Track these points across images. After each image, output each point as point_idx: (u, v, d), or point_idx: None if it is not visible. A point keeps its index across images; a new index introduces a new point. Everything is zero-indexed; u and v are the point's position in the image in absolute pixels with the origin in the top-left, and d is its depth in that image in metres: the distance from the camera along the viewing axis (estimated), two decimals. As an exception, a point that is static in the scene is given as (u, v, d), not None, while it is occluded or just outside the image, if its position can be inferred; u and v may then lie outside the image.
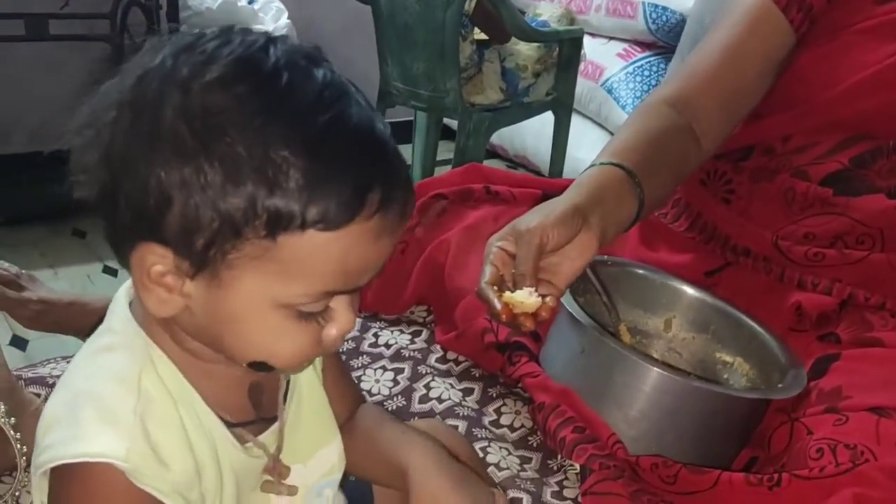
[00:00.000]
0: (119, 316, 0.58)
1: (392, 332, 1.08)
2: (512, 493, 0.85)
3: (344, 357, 1.03)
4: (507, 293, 0.78)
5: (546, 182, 1.26)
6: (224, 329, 0.54)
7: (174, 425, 0.55)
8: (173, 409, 0.56)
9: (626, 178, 0.88)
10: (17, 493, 0.76)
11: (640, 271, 1.03)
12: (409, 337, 1.07)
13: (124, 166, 0.50)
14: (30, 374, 0.90)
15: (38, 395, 0.86)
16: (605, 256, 1.03)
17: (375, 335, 1.07)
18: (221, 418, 0.58)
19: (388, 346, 1.05)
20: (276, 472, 0.62)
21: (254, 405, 0.61)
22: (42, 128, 2.35)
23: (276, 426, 0.62)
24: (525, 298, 0.77)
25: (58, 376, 0.91)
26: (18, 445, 0.75)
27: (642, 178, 0.88)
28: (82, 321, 1.06)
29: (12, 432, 0.75)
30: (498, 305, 0.76)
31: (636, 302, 1.02)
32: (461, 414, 0.95)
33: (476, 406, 0.97)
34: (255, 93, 0.49)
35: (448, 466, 0.67)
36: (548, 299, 0.78)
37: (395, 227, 0.53)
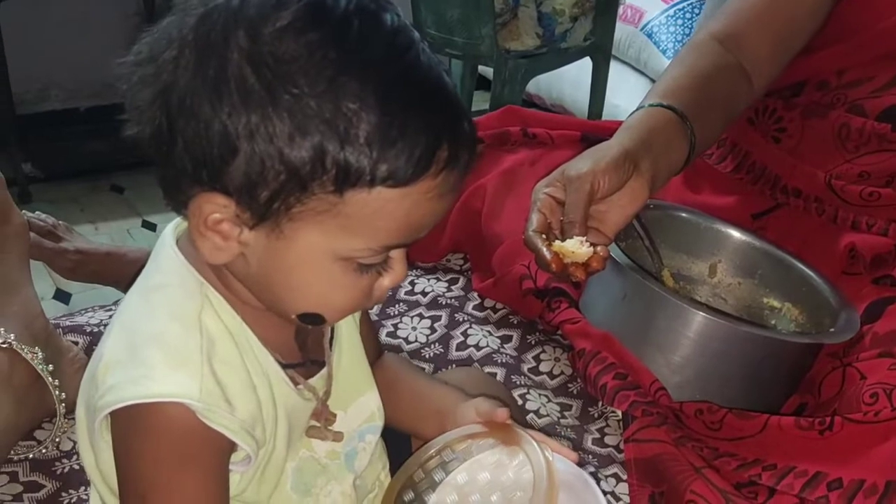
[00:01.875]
0: (167, 255, 0.56)
1: (428, 279, 1.06)
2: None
3: (380, 305, 1.01)
4: (557, 242, 0.75)
5: (585, 123, 1.22)
6: (278, 280, 0.52)
7: (237, 364, 0.54)
8: (234, 349, 0.55)
9: (676, 120, 0.84)
10: (57, 439, 0.77)
11: (684, 215, 0.99)
12: (446, 285, 1.06)
13: (185, 108, 0.48)
14: (68, 323, 0.91)
15: (76, 343, 0.86)
16: (648, 200, 0.99)
17: (412, 283, 1.05)
18: (275, 359, 0.57)
19: (424, 293, 1.04)
20: (323, 417, 0.61)
21: (300, 347, 0.60)
22: (78, 85, 2.36)
23: (324, 371, 0.61)
24: (576, 248, 0.74)
25: (96, 325, 0.91)
26: (57, 392, 0.76)
27: (693, 119, 0.84)
28: (121, 271, 1.07)
29: (51, 379, 0.75)
30: (548, 255, 0.73)
31: (680, 247, 0.99)
32: (499, 361, 0.94)
33: (514, 353, 0.96)
34: (326, 42, 0.47)
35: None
36: (599, 249, 0.75)
37: (460, 182, 0.52)
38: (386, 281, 0.54)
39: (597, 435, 0.86)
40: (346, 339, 0.65)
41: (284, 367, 0.58)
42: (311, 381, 0.60)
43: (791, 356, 0.84)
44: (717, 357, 0.83)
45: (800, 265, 0.93)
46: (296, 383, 0.59)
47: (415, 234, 0.52)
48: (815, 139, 0.97)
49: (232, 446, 0.54)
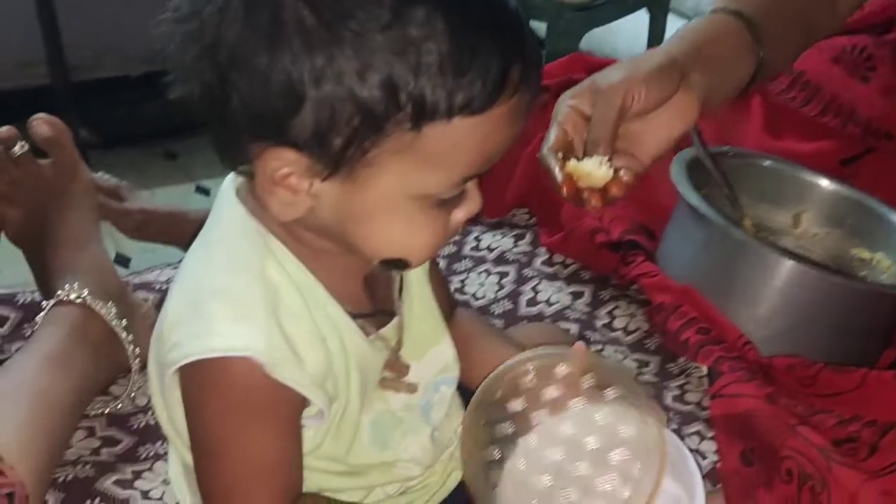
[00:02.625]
0: (228, 207, 0.55)
1: (494, 235, 1.03)
2: (631, 396, 0.81)
3: (446, 261, 0.99)
4: (572, 162, 0.66)
5: None
6: (355, 229, 0.51)
7: (303, 316, 0.53)
8: (300, 300, 0.53)
9: (743, 28, 0.73)
10: (132, 394, 0.76)
11: (766, 162, 0.94)
12: (513, 240, 1.03)
13: (237, 61, 0.46)
14: (136, 280, 0.91)
15: (146, 300, 0.85)
16: (726, 147, 0.95)
17: (477, 239, 1.03)
18: (344, 309, 0.56)
19: (490, 249, 1.01)
20: (395, 369, 0.60)
21: (370, 297, 0.58)
22: (130, 51, 2.37)
23: (395, 321, 0.60)
24: (593, 169, 0.65)
25: (164, 281, 0.91)
26: (131, 347, 0.75)
27: (764, 30, 0.73)
28: (183, 231, 1.06)
29: (125, 334, 0.74)
30: (558, 176, 0.65)
31: (761, 196, 0.94)
32: (571, 317, 0.91)
33: (587, 309, 0.93)
34: None
35: None
36: (622, 173, 0.65)
37: (531, 105, 0.50)
38: (461, 213, 0.52)
39: (677, 392, 0.83)
40: (417, 289, 0.63)
41: (355, 317, 0.56)
42: (383, 331, 0.59)
43: (886, 308, 0.79)
44: (807, 309, 0.79)
45: (892, 214, 0.87)
46: (367, 334, 0.57)
47: (490, 162, 0.50)
48: None
49: (303, 401, 0.53)
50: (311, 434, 0.56)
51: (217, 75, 0.46)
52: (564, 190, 0.66)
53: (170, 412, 0.57)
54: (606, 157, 0.66)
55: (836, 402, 0.72)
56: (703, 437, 0.78)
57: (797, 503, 0.65)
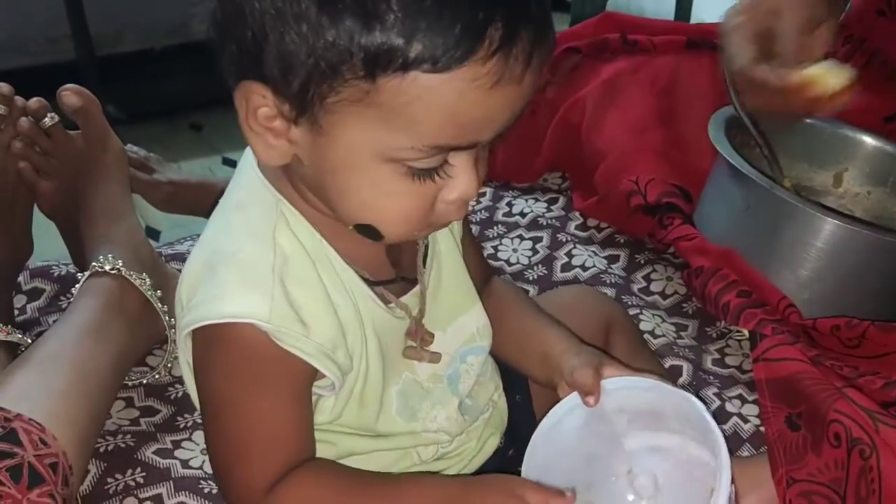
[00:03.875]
0: (247, 171, 0.54)
1: (526, 200, 1.02)
2: (670, 362, 0.80)
3: (478, 227, 0.98)
4: (813, 68, 0.65)
5: (689, 28, 1.13)
6: (329, 184, 0.49)
7: (313, 283, 0.52)
8: (311, 267, 0.52)
9: None
10: (169, 365, 0.77)
11: (806, 120, 0.91)
12: (545, 205, 1.01)
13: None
14: (169, 251, 0.91)
15: (179, 271, 0.85)
16: (766, 105, 0.92)
17: (509, 204, 1.01)
18: (361, 276, 0.54)
19: (522, 214, 0.99)
20: (418, 337, 0.59)
21: (392, 263, 0.57)
22: (153, 24, 2.36)
23: (417, 289, 0.58)
24: (836, 73, 0.65)
25: (196, 252, 0.91)
26: (166, 318, 0.75)
27: None
28: (213, 201, 1.06)
29: (159, 305, 0.74)
30: (794, 80, 0.65)
31: (801, 155, 0.92)
32: (608, 282, 0.89)
33: (623, 273, 0.91)
34: None
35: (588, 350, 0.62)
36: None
37: (522, 73, 0.44)
38: (452, 194, 0.48)
39: (717, 356, 0.82)
40: (446, 257, 0.61)
41: (373, 284, 0.55)
42: (404, 298, 0.57)
43: (936, 267, 0.77)
44: (852, 270, 0.77)
45: (939, 170, 0.85)
46: (386, 301, 0.56)
47: (469, 135, 0.45)
48: None
49: (313, 370, 0.52)
50: (329, 404, 0.56)
51: (221, 8, 0.47)
52: (798, 98, 0.66)
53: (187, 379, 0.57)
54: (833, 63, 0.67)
55: (883, 363, 0.70)
56: (744, 401, 0.76)
57: (846, 467, 0.63)
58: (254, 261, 0.51)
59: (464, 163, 0.47)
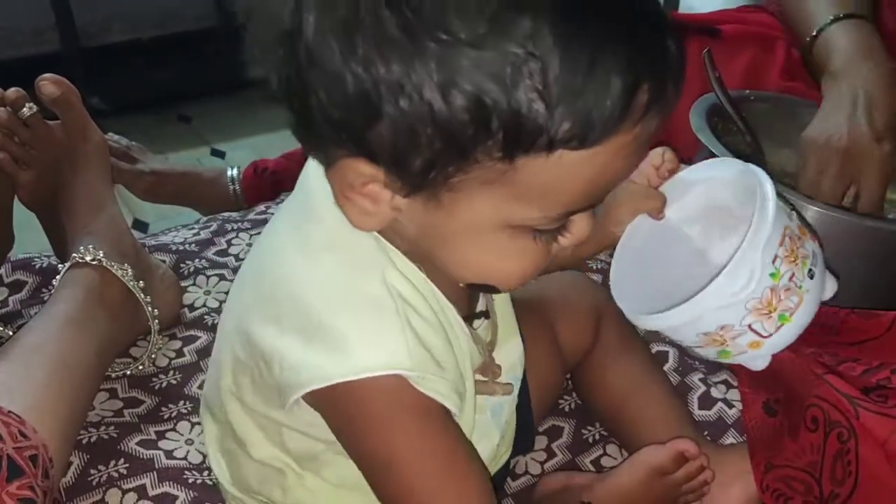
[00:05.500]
0: (325, 206, 0.46)
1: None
2: (656, 347, 0.80)
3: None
4: None
5: (679, 16, 1.12)
6: (440, 250, 0.45)
7: (433, 322, 0.48)
8: (427, 306, 0.48)
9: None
10: (153, 356, 0.76)
11: (789, 105, 0.92)
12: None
13: (313, 58, 0.39)
14: (153, 243, 0.90)
15: (163, 262, 0.85)
16: (748, 91, 0.92)
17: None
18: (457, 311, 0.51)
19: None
20: (489, 371, 0.56)
21: (470, 297, 0.55)
22: (139, 15, 2.34)
23: (488, 321, 0.56)
24: None
25: (181, 243, 0.90)
26: (150, 308, 0.75)
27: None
28: (198, 191, 1.06)
29: (142, 295, 0.74)
30: None
31: (784, 140, 0.91)
32: (594, 268, 0.90)
33: (609, 259, 0.91)
34: None
35: None
36: None
37: (660, 128, 0.41)
38: (565, 241, 0.45)
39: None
40: None
41: (465, 319, 0.52)
42: (479, 331, 0.55)
43: (918, 252, 0.77)
44: (834, 256, 0.76)
45: (921, 155, 0.85)
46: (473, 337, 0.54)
47: (600, 197, 0.43)
48: None
49: (444, 408, 0.49)
50: None
51: (296, 69, 0.40)
52: None
53: (284, 435, 0.53)
54: None
55: (862, 349, 0.71)
56: (729, 386, 0.77)
57: (822, 451, 0.64)
58: (374, 306, 0.46)
59: (584, 214, 0.45)
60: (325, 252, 0.47)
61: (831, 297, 0.59)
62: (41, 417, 0.60)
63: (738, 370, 0.74)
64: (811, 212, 0.76)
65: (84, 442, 0.69)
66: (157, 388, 0.75)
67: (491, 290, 0.48)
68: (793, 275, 0.55)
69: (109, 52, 2.34)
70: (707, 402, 0.76)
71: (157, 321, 0.75)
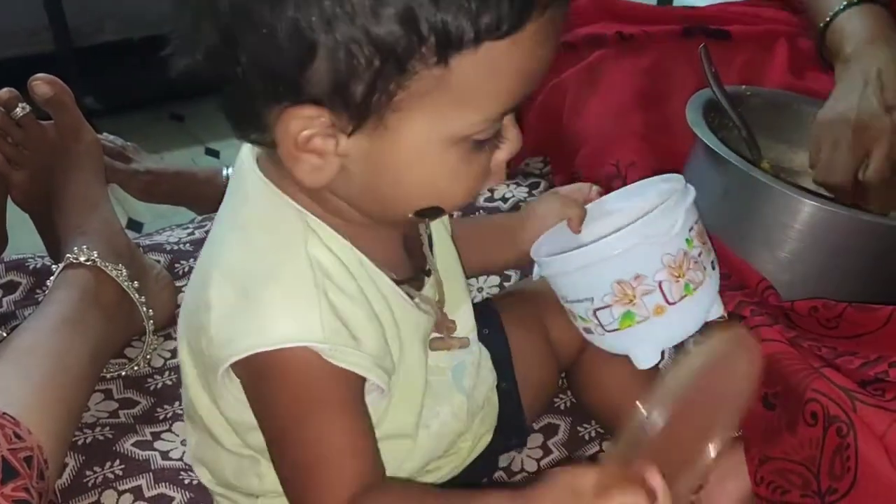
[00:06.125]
0: (254, 183, 0.50)
1: (508, 185, 1.01)
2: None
3: (459, 213, 0.97)
4: None
5: (686, 14, 1.11)
6: (389, 182, 0.47)
7: (354, 294, 0.50)
8: (349, 277, 0.50)
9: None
10: (148, 356, 0.76)
11: (784, 101, 0.92)
12: (527, 189, 1.01)
13: (239, 16, 0.42)
14: (147, 242, 0.90)
15: (158, 262, 0.85)
16: (744, 87, 0.92)
17: (490, 190, 1.01)
18: (389, 277, 0.53)
19: (504, 199, 0.99)
20: (444, 327, 0.57)
21: (409, 256, 0.56)
22: (131, 14, 2.33)
23: (432, 279, 0.57)
24: None
25: (175, 243, 0.90)
26: (144, 309, 0.74)
27: None
28: (193, 190, 1.05)
29: (137, 295, 0.74)
30: None
31: (780, 136, 0.91)
32: (589, 266, 0.89)
33: (604, 258, 0.91)
34: None
35: None
36: None
37: (564, 20, 0.45)
38: (502, 154, 0.48)
39: (696, 336, 0.81)
40: (440, 246, 0.60)
41: (398, 283, 0.53)
42: (424, 291, 0.56)
43: (913, 247, 0.77)
44: (832, 251, 0.76)
45: (917, 150, 0.85)
46: (411, 297, 0.54)
47: (527, 90, 0.46)
48: None
49: (363, 380, 0.50)
50: (370, 411, 0.53)
51: (220, 35, 0.43)
52: None
53: (218, 402, 0.54)
54: None
55: (859, 343, 0.71)
56: (724, 383, 0.77)
57: (822, 445, 0.64)
58: (295, 279, 0.48)
59: (511, 120, 0.48)
60: (252, 229, 0.50)
61: (715, 318, 0.63)
62: (36, 419, 0.59)
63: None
64: (807, 206, 0.76)
65: (79, 443, 0.68)
66: (152, 388, 0.75)
67: (437, 213, 0.50)
68: (701, 252, 0.61)
69: (103, 51, 2.33)
70: (705, 397, 0.76)
71: (151, 321, 0.75)
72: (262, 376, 0.49)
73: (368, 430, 0.51)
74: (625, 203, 0.68)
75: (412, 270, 0.56)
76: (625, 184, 0.89)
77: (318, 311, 0.48)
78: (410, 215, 0.49)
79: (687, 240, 0.59)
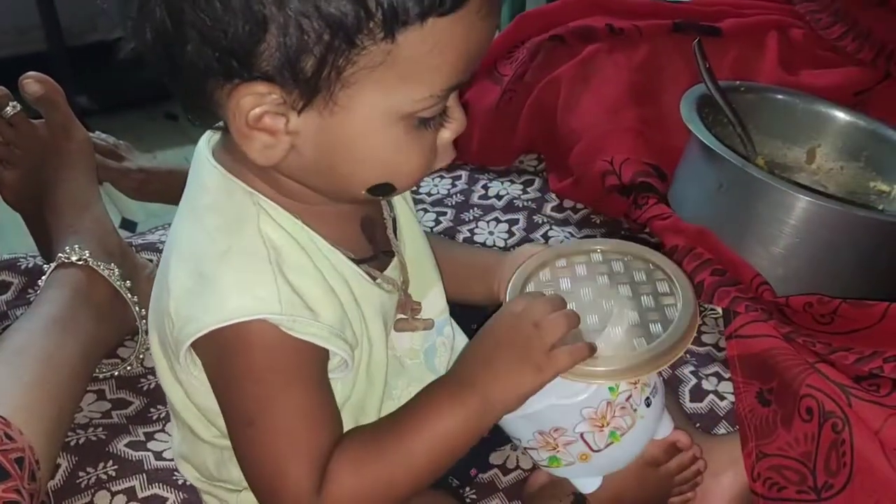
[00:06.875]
0: (208, 170, 0.52)
1: (502, 182, 1.01)
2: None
3: (454, 210, 0.97)
4: None
5: (677, 8, 1.11)
6: (340, 159, 0.48)
7: (309, 270, 0.51)
8: (302, 253, 0.51)
9: None
10: (140, 356, 0.76)
11: (779, 96, 0.92)
12: (521, 187, 1.01)
13: None
14: (139, 241, 0.89)
15: (150, 261, 0.84)
16: (738, 82, 0.92)
17: (485, 187, 1.01)
18: (347, 257, 0.54)
19: (499, 197, 0.99)
20: (408, 308, 0.58)
21: (368, 239, 0.57)
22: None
23: (395, 260, 0.58)
24: None
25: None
26: (137, 308, 0.74)
27: None
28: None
29: (129, 295, 0.73)
30: None
31: (774, 132, 0.91)
32: (584, 263, 0.89)
33: (599, 254, 0.91)
34: None
35: None
36: None
37: None
38: (447, 132, 0.50)
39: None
40: (407, 230, 0.61)
41: (358, 262, 0.54)
42: (386, 272, 0.57)
43: (908, 241, 0.77)
44: (826, 246, 0.77)
45: (911, 144, 0.85)
46: (373, 278, 0.55)
47: (471, 67, 0.47)
48: None
49: (326, 354, 0.51)
50: (338, 387, 0.54)
51: (168, 15, 0.43)
52: None
53: (187, 390, 0.55)
54: None
55: (854, 339, 0.70)
56: (720, 378, 0.77)
57: (817, 440, 0.64)
58: (250, 256, 0.49)
59: (455, 101, 0.49)
60: (207, 211, 0.51)
61: (663, 437, 0.61)
62: (27, 419, 0.59)
63: (731, 360, 0.73)
64: (802, 202, 0.76)
65: (72, 444, 0.68)
66: (145, 388, 0.75)
67: (389, 191, 0.51)
68: (630, 396, 0.56)
69: (95, 50, 2.32)
70: (698, 394, 0.76)
71: (144, 321, 0.74)
72: (222, 354, 0.49)
73: (331, 401, 0.52)
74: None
75: (373, 251, 0.56)
76: (619, 179, 0.89)
77: (273, 285, 0.48)
78: (363, 193, 0.50)
79: (611, 388, 0.55)
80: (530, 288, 0.59)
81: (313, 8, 0.41)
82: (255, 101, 0.44)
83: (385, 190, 0.50)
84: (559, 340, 0.52)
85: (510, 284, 0.59)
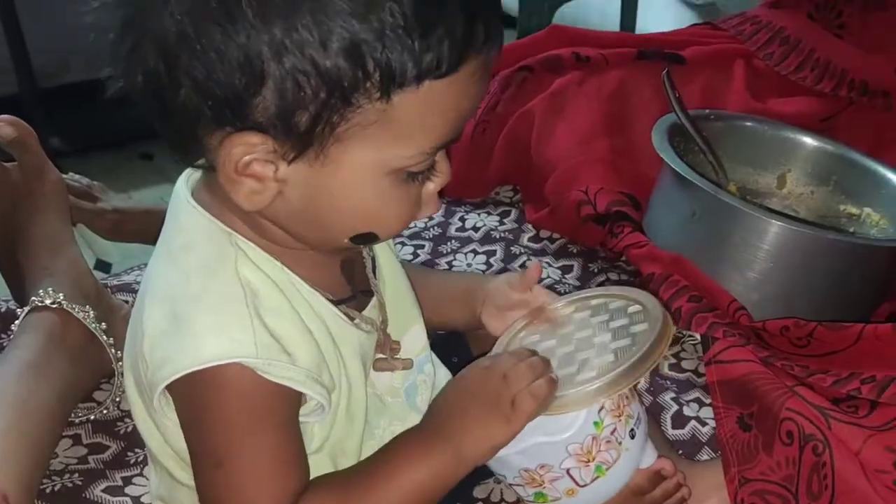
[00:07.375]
0: (186, 211, 0.52)
1: (479, 214, 1.02)
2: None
3: (431, 243, 0.98)
4: None
5: (641, 39, 1.14)
6: (325, 209, 0.48)
7: (286, 312, 0.51)
8: (280, 295, 0.51)
9: None
10: (117, 399, 0.74)
11: (748, 124, 0.94)
12: (497, 218, 1.01)
13: (187, 43, 0.42)
14: (115, 282, 0.89)
15: (126, 302, 0.83)
16: (707, 110, 0.94)
17: (462, 219, 1.01)
18: (325, 298, 0.53)
19: (476, 228, 0.99)
20: (387, 348, 0.58)
21: (347, 280, 0.57)
22: (98, 53, 2.32)
23: (374, 300, 0.58)
24: None
25: (143, 282, 0.89)
26: (113, 350, 0.73)
27: None
28: (161, 228, 1.04)
29: (104, 337, 0.72)
30: None
31: (745, 158, 0.93)
32: (562, 291, 0.89)
33: (577, 283, 0.91)
34: None
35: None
36: None
37: (496, 60, 0.48)
38: (432, 185, 0.51)
39: (673, 360, 0.82)
40: (387, 269, 0.61)
41: (336, 303, 0.54)
42: (365, 312, 0.57)
43: (881, 262, 0.78)
44: (799, 270, 0.78)
45: (877, 166, 0.87)
46: (351, 318, 0.55)
47: (461, 126, 0.48)
48: (879, 31, 0.90)
49: (299, 396, 0.51)
50: (315, 430, 0.54)
51: (163, 60, 0.43)
52: None
53: (164, 433, 0.54)
54: None
55: (831, 361, 0.71)
56: (702, 404, 0.77)
57: (798, 464, 0.64)
58: (225, 298, 0.49)
59: (442, 155, 0.50)
60: (184, 252, 0.51)
61: (648, 466, 0.61)
62: (1, 466, 0.58)
63: (711, 385, 0.74)
64: (774, 227, 0.77)
65: (48, 491, 0.66)
66: (122, 432, 0.73)
67: (372, 240, 0.51)
68: (615, 429, 0.57)
69: (68, 91, 2.32)
70: (680, 420, 0.76)
71: (120, 363, 0.73)
72: (195, 396, 0.49)
73: (301, 445, 0.52)
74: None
75: (351, 291, 0.56)
76: (594, 209, 0.90)
77: (250, 328, 0.48)
78: (346, 241, 0.51)
79: (595, 423, 0.56)
80: (514, 346, 0.60)
81: (311, 66, 0.42)
82: (245, 151, 0.45)
83: (368, 239, 0.51)
84: (525, 389, 0.53)
85: (494, 347, 0.61)
